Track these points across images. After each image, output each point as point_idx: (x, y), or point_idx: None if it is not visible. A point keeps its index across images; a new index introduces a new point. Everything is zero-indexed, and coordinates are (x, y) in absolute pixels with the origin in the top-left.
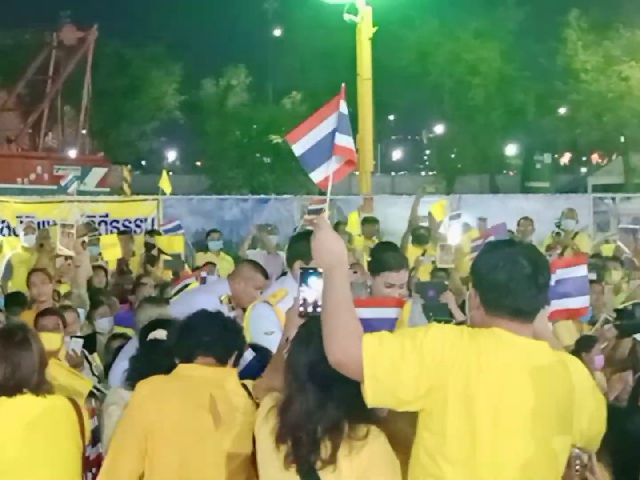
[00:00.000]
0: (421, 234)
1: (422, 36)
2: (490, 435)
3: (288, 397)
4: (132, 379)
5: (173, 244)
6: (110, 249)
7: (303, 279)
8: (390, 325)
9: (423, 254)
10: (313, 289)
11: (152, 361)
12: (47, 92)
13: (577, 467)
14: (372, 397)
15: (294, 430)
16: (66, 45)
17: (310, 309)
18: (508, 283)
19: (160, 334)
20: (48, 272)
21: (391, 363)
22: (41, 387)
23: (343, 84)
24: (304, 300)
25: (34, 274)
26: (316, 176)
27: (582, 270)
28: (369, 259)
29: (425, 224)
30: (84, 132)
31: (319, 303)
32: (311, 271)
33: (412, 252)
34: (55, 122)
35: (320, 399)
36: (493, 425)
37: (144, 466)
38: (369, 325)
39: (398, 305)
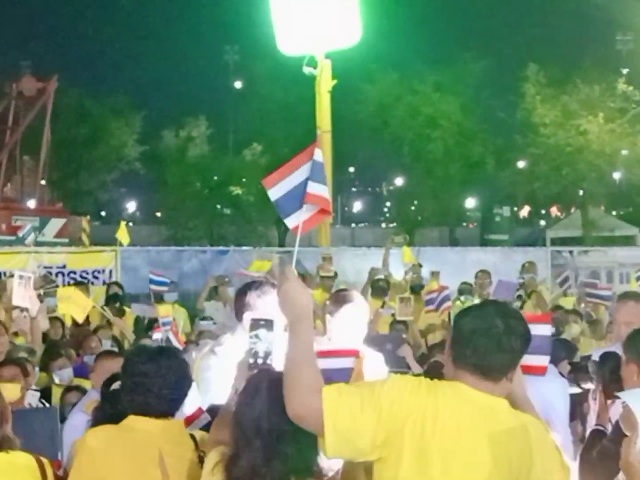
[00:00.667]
0: (380, 286)
1: (381, 89)
2: None
3: (234, 453)
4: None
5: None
6: (67, 303)
7: (253, 330)
8: (346, 374)
9: (382, 306)
10: (263, 341)
11: (116, 412)
12: (6, 142)
13: None
14: (332, 448)
15: None
16: (26, 95)
17: (260, 361)
18: (471, 336)
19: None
20: (4, 324)
21: (350, 414)
22: (3, 443)
23: (318, 132)
24: (254, 352)
25: None
26: (290, 222)
27: (546, 330)
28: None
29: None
30: (42, 182)
31: (270, 355)
32: (262, 322)
33: (372, 304)
34: (14, 172)
35: (267, 454)
36: (443, 478)
37: None
38: (326, 376)
39: (353, 355)
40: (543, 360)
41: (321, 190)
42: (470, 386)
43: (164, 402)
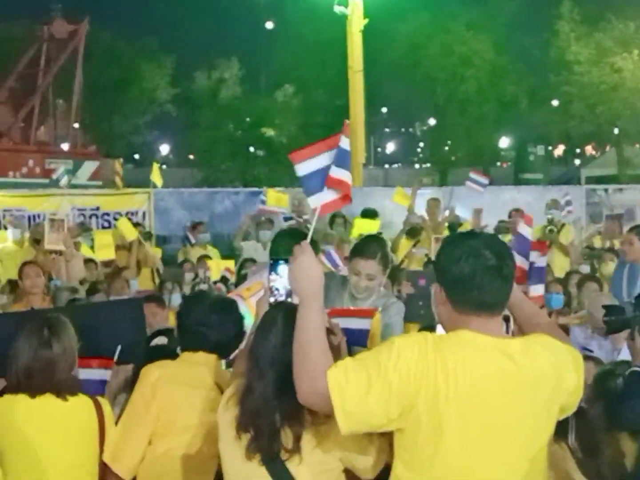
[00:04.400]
0: (414, 227)
1: (413, 29)
2: (459, 448)
3: (248, 385)
4: None
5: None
6: (105, 249)
7: (273, 268)
8: (364, 336)
9: (414, 246)
10: (284, 278)
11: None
12: (39, 85)
13: None
14: (346, 427)
15: (254, 419)
16: (57, 38)
17: (280, 299)
18: (472, 276)
19: (162, 340)
20: (41, 266)
21: (358, 393)
22: (62, 387)
23: (347, 121)
24: (275, 289)
25: (28, 266)
26: (312, 202)
27: (541, 261)
28: None
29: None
30: (76, 125)
31: (291, 292)
32: (281, 261)
33: (405, 245)
34: (47, 116)
35: (279, 387)
36: (463, 438)
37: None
38: (348, 336)
39: (369, 316)
40: (539, 289)
41: (343, 176)
42: (477, 331)
43: (218, 350)
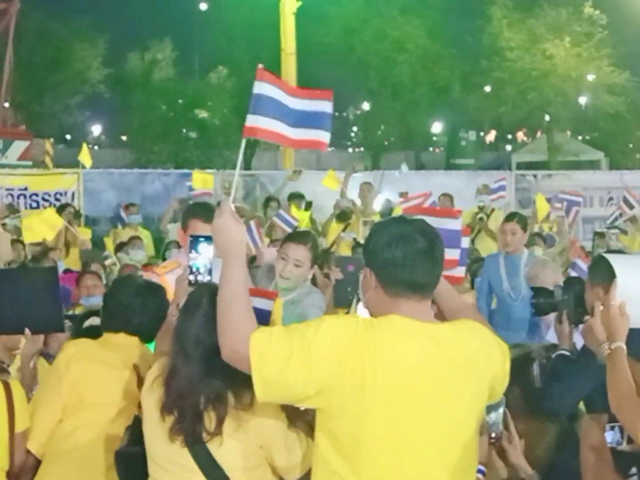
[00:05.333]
0: (343, 211)
1: (347, 12)
2: (388, 435)
3: (173, 367)
4: None
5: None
6: (32, 231)
7: (193, 246)
8: (265, 317)
9: (344, 230)
10: (203, 256)
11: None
12: None
13: (493, 436)
14: (262, 394)
15: (178, 401)
16: None
17: (200, 278)
18: (404, 259)
19: (95, 321)
20: None
21: (278, 363)
22: None
23: (260, 65)
24: (195, 267)
25: None
26: (249, 120)
27: (456, 224)
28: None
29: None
30: (6, 104)
31: (211, 270)
32: (201, 238)
33: (335, 229)
34: None
35: (204, 369)
36: (391, 424)
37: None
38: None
39: (271, 298)
40: (455, 253)
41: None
42: (407, 316)
43: (140, 334)
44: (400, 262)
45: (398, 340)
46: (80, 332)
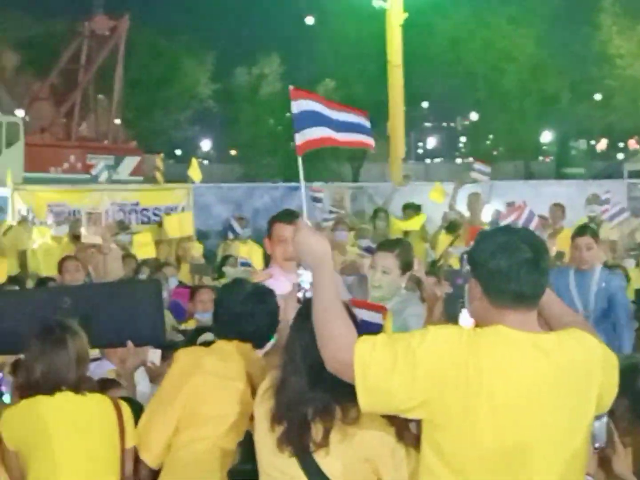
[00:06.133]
0: (452, 223)
1: (454, 23)
2: (494, 446)
3: (283, 379)
4: None
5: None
6: (144, 248)
7: (301, 263)
8: (378, 330)
9: (451, 244)
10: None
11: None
12: (80, 81)
13: (596, 446)
14: (365, 404)
15: (287, 411)
16: (98, 34)
17: (308, 295)
18: (509, 269)
19: (208, 337)
20: (80, 261)
21: (382, 373)
22: (80, 385)
23: (291, 87)
24: (301, 285)
25: (68, 260)
26: (298, 139)
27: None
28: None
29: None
30: (117, 121)
31: None
32: None
33: (444, 240)
34: (89, 111)
35: (312, 380)
36: (498, 435)
37: (173, 431)
38: (364, 327)
39: (382, 312)
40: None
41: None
42: (514, 327)
43: (253, 338)
44: (506, 272)
45: (503, 351)
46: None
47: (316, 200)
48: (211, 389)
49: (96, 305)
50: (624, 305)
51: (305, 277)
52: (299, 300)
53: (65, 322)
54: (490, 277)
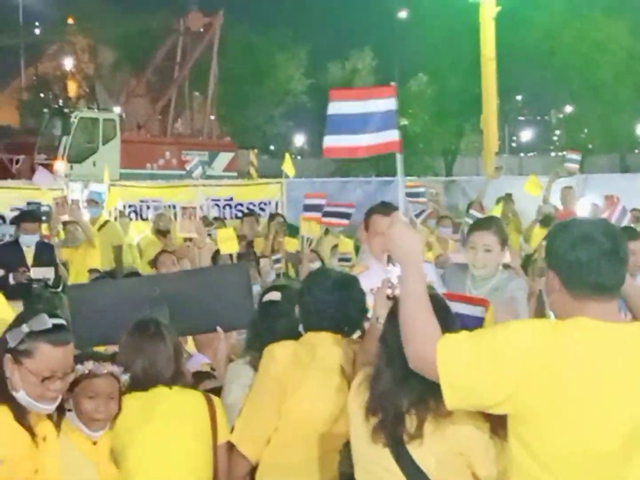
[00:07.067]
0: (547, 216)
1: (547, 15)
2: (580, 439)
3: (378, 370)
4: (253, 345)
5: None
6: (228, 243)
7: (391, 259)
8: (479, 324)
9: (545, 238)
10: (398, 267)
11: (270, 326)
12: (175, 78)
13: None
14: (451, 401)
15: (382, 402)
16: (193, 31)
17: (397, 291)
18: (589, 260)
19: (275, 295)
20: (176, 254)
21: (466, 370)
22: (176, 379)
23: (392, 83)
24: (390, 282)
25: (164, 255)
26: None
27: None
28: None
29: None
30: (211, 117)
31: None
32: None
33: (538, 234)
34: (184, 108)
35: (407, 372)
36: (583, 428)
37: (273, 426)
38: (462, 321)
39: (484, 305)
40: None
41: (392, 136)
42: (595, 318)
43: (341, 329)
44: (586, 264)
45: (586, 343)
46: (263, 307)
47: (414, 195)
48: (307, 383)
49: (185, 293)
50: None
51: (394, 273)
52: (388, 297)
53: (156, 318)
54: (570, 269)
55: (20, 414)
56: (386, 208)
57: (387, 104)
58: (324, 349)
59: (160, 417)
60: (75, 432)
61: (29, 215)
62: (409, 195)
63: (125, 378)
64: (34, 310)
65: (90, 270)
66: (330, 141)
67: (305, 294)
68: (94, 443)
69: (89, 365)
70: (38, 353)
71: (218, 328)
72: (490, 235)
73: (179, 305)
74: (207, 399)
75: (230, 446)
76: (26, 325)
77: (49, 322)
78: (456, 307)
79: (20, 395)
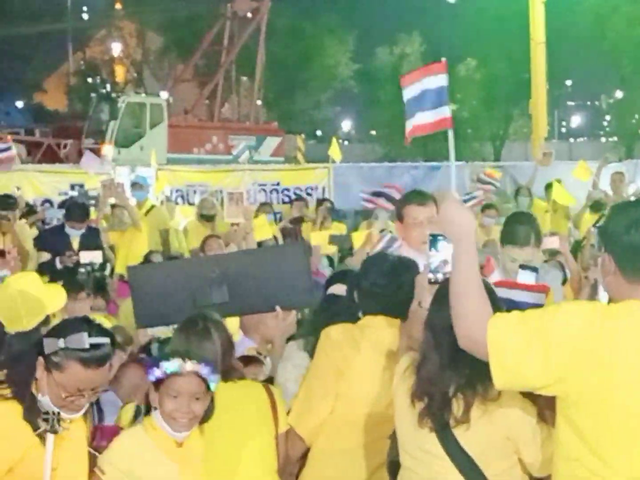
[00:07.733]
0: (597, 202)
1: (597, 0)
2: (629, 422)
3: (424, 355)
4: (312, 331)
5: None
6: (262, 229)
7: (432, 244)
8: None
9: (596, 224)
10: (442, 253)
11: (334, 313)
12: (222, 62)
13: None
14: (500, 381)
15: (428, 387)
16: (240, 15)
17: (439, 276)
18: None
19: (340, 289)
20: (224, 239)
21: (517, 350)
22: (228, 375)
23: (443, 59)
24: (432, 266)
25: (211, 239)
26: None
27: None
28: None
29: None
30: (258, 102)
31: (447, 263)
32: (440, 237)
33: (588, 219)
34: (231, 93)
35: (454, 356)
36: (633, 412)
37: (329, 409)
38: (517, 308)
39: (543, 292)
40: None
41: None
42: None
43: (398, 313)
44: (639, 248)
45: (636, 327)
46: (326, 299)
47: (485, 182)
48: (363, 366)
49: (244, 273)
50: None
51: (435, 258)
52: (430, 282)
53: (207, 313)
54: (624, 252)
55: (31, 414)
56: (422, 197)
57: (438, 80)
58: (379, 331)
59: (220, 411)
60: (158, 431)
61: (77, 214)
62: (480, 181)
63: (215, 378)
64: (77, 324)
65: (150, 253)
66: (410, 124)
67: (362, 278)
68: (180, 445)
69: (174, 363)
70: (68, 370)
71: (277, 307)
72: (530, 250)
73: (238, 285)
74: (267, 390)
75: (287, 428)
76: (63, 341)
77: (86, 342)
78: (514, 295)
79: (45, 400)
